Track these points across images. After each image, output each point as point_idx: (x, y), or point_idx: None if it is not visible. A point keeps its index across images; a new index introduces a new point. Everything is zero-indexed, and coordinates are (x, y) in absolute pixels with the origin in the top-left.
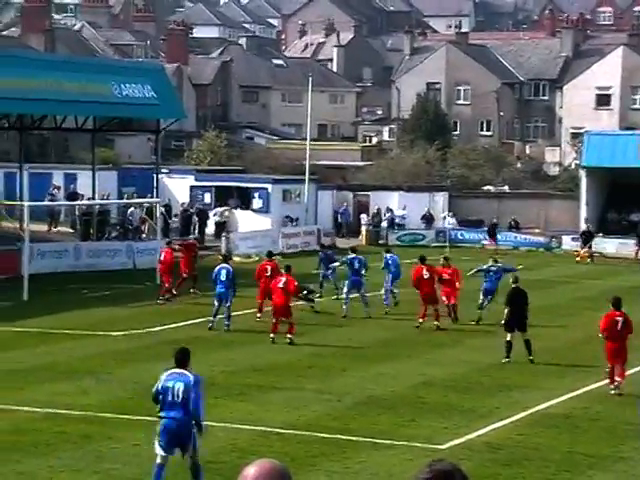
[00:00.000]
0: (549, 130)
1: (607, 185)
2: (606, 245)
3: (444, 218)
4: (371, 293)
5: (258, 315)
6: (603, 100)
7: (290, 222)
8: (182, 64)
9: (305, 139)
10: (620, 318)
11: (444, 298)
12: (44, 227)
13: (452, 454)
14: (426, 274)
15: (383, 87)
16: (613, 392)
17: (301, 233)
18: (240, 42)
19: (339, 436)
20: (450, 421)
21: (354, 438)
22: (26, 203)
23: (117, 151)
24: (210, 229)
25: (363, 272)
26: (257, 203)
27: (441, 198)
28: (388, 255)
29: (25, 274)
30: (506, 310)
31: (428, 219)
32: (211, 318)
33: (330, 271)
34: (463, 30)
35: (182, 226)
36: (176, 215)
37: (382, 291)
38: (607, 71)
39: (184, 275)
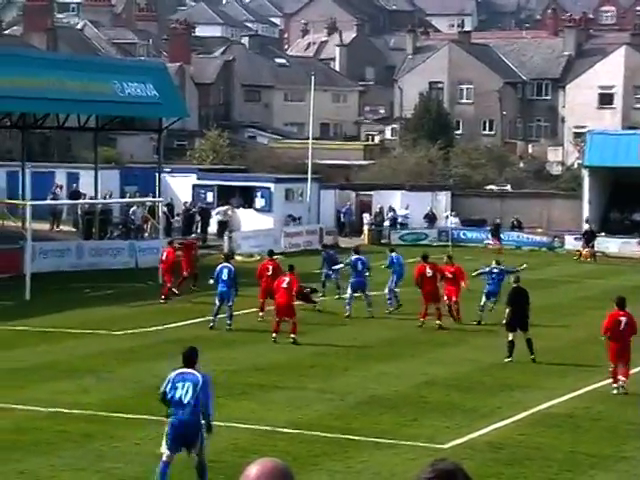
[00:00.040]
0: (552, 129)
1: (610, 184)
2: (609, 245)
3: (447, 217)
4: (374, 293)
5: (260, 314)
6: (606, 99)
7: (292, 221)
8: (184, 63)
9: (307, 138)
10: (624, 318)
11: (445, 298)
12: (46, 226)
13: (454, 453)
14: (429, 272)
15: (386, 86)
16: (615, 392)
17: (303, 232)
18: (242, 41)
19: (341, 435)
20: (452, 420)
21: (356, 437)
22: (28, 202)
23: (119, 150)
24: (212, 228)
25: (366, 273)
26: (259, 202)
27: (444, 197)
28: (393, 254)
29: (27, 273)
30: (507, 310)
31: (431, 218)
32: (212, 317)
33: (334, 271)
34: (466, 29)
35: (184, 225)
36: (178, 214)
37: (386, 290)
38: (610, 70)
39: (184, 274)
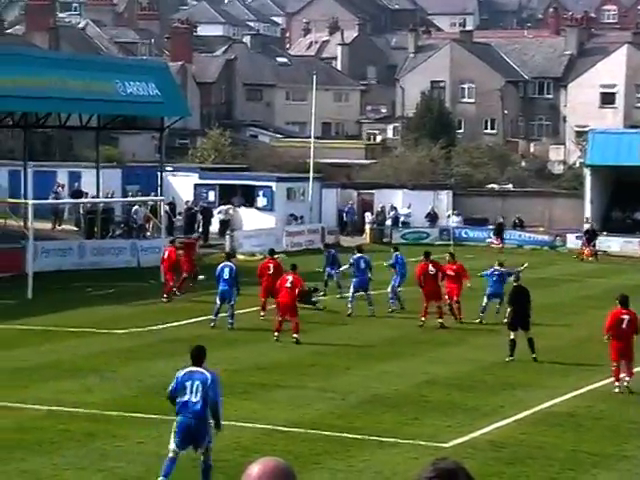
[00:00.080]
0: (553, 128)
1: (611, 183)
2: (610, 243)
3: (448, 216)
4: (376, 292)
5: (262, 313)
6: (607, 98)
7: (295, 220)
8: (186, 62)
9: (309, 137)
10: (626, 316)
11: (446, 297)
12: (48, 225)
13: (456, 452)
14: (432, 270)
15: (387, 85)
16: (617, 390)
17: (305, 231)
18: (244, 40)
19: (343, 434)
20: (454, 419)
21: (358, 436)
22: (30, 201)
23: (121, 149)
24: (214, 227)
25: (369, 272)
26: (261, 201)
27: (445, 196)
28: (398, 254)
29: (29, 272)
30: (509, 309)
31: (432, 217)
32: (212, 317)
33: (335, 270)
34: (467, 28)
35: (186, 224)
36: (180, 213)
37: (388, 289)
38: (611, 69)
39: (184, 275)
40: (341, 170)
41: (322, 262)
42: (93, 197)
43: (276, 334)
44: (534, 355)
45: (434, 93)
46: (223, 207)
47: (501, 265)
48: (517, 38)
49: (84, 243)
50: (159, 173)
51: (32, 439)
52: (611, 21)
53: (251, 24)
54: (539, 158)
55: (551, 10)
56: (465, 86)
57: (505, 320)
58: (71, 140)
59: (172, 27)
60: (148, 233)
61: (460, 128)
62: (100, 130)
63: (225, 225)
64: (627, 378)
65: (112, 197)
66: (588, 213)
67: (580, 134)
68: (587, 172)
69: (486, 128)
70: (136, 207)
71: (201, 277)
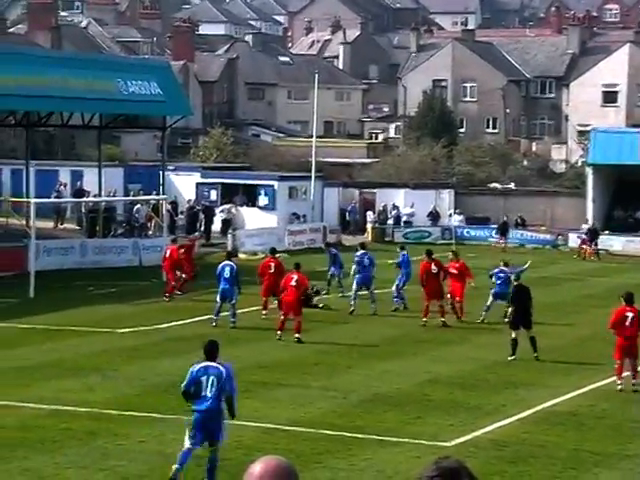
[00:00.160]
0: (555, 127)
1: (613, 182)
2: (612, 242)
3: (450, 215)
4: (379, 290)
5: (264, 312)
6: (609, 97)
7: (297, 219)
8: (188, 61)
9: (311, 136)
10: (631, 313)
11: (448, 295)
12: (50, 224)
13: (458, 451)
14: (434, 269)
15: (389, 84)
16: (619, 387)
17: (307, 230)
18: (246, 39)
19: (345, 433)
20: (456, 418)
21: (360, 435)
22: (32, 200)
23: (123, 148)
24: (216, 226)
25: (372, 269)
26: (263, 200)
27: (447, 195)
28: (405, 252)
29: (31, 271)
30: (510, 308)
31: (434, 216)
32: (214, 316)
33: (337, 269)
34: (469, 27)
35: (188, 223)
36: (182, 212)
37: (393, 288)
38: (613, 68)
39: (185, 276)
40: (343, 169)
41: (326, 261)
42: (95, 196)
43: (279, 333)
44: (536, 354)
45: (436, 92)
46: (225, 206)
47: (506, 264)
48: (519, 37)
49: (86, 242)
50: (161, 172)
51: (34, 438)
52: (613, 20)
53: (253, 23)
54: (541, 157)
55: (553, 9)
56: (467, 85)
57: (507, 319)
58: (73, 139)
59: (174, 26)
60: (150, 232)
61: (462, 127)
62: (102, 129)
63: (227, 224)
64: (633, 380)
65: (114, 196)
66: (590, 212)
67: (582, 133)
68: (589, 171)
69: (488, 127)
70: (138, 206)
71: (183, 276)
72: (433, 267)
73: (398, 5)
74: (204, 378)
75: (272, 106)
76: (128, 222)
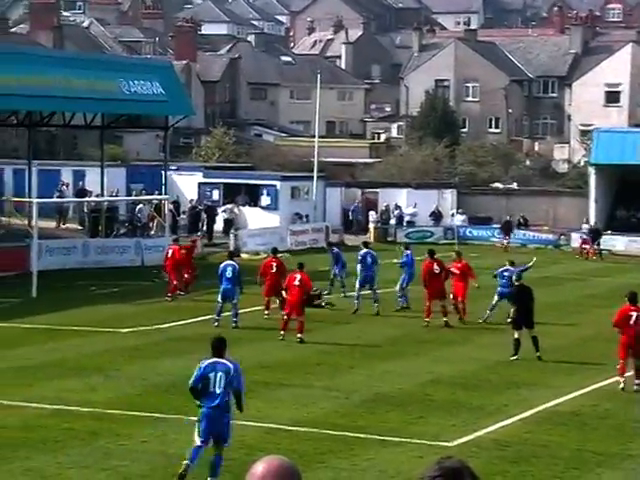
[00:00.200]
0: (558, 127)
1: (616, 182)
2: (615, 242)
3: (452, 215)
4: (382, 290)
5: (265, 312)
6: (612, 97)
7: (300, 219)
8: (190, 61)
9: (313, 136)
10: (635, 313)
11: (451, 296)
12: (52, 224)
13: (460, 451)
14: (437, 269)
15: (391, 84)
16: (621, 386)
17: (309, 230)
18: (249, 39)
19: (347, 433)
20: (458, 418)
21: (362, 435)
22: (35, 200)
23: (125, 148)
24: (219, 226)
25: (375, 268)
26: (265, 200)
27: (449, 195)
28: (409, 252)
29: (34, 270)
30: (512, 308)
31: (436, 216)
32: (215, 317)
33: (340, 269)
34: (472, 27)
35: (190, 223)
36: (184, 212)
37: (396, 288)
38: (616, 68)
39: (186, 278)
40: (345, 169)
41: (329, 261)
42: (97, 196)
43: (282, 332)
44: (538, 354)
45: (438, 92)
46: (227, 206)
47: (512, 264)
48: (521, 37)
49: (88, 242)
50: (163, 172)
51: (36, 437)
52: (616, 20)
53: (255, 23)
54: (543, 157)
55: (556, 9)
56: (469, 85)
57: (509, 319)
58: (75, 139)
59: (176, 26)
60: (152, 232)
61: (464, 127)
62: (104, 129)
63: (229, 224)
64: (636, 380)
65: (116, 196)
66: (592, 212)
67: (584, 133)
68: (591, 171)
69: (490, 127)
70: (140, 206)
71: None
72: (435, 267)
73: (400, 5)
74: (212, 374)
75: (274, 106)
76: (130, 222)
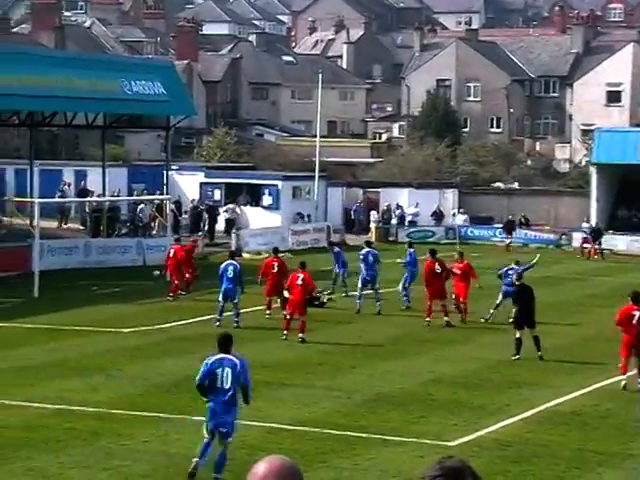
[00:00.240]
0: (559, 127)
1: (617, 182)
2: (616, 242)
3: (454, 215)
4: (384, 290)
5: (267, 312)
6: (613, 97)
7: (302, 219)
8: (192, 61)
9: (315, 136)
10: (637, 312)
11: (453, 296)
12: (54, 224)
13: (461, 451)
14: (438, 269)
15: (393, 84)
16: (623, 383)
17: (311, 230)
18: (250, 39)
19: (349, 433)
20: (459, 418)
21: (364, 435)
22: (36, 200)
23: (127, 148)
24: (220, 226)
25: (377, 267)
26: (267, 200)
27: (451, 195)
28: (412, 251)
29: (35, 270)
30: (514, 308)
31: (438, 216)
32: (217, 317)
33: (341, 268)
34: (473, 27)
35: (192, 223)
36: (186, 212)
37: (399, 287)
38: (617, 68)
39: (187, 278)
40: (347, 169)
41: (330, 261)
42: (99, 196)
43: (285, 332)
44: (540, 353)
45: (440, 91)
46: (229, 206)
47: (517, 263)
48: (523, 36)
49: (90, 242)
50: (165, 172)
51: (38, 437)
52: (617, 19)
53: (257, 23)
54: (545, 156)
55: (557, 8)
56: (471, 84)
57: (510, 319)
58: (77, 139)
59: (178, 26)
60: (154, 232)
61: (466, 127)
62: (106, 129)
63: (231, 224)
64: (639, 379)
65: (118, 196)
66: (594, 212)
67: (586, 132)
68: (593, 170)
69: (492, 127)
70: (142, 206)
71: (156, 272)
72: (437, 267)
73: (402, 5)
74: (219, 370)
75: (276, 106)
76: (132, 222)
